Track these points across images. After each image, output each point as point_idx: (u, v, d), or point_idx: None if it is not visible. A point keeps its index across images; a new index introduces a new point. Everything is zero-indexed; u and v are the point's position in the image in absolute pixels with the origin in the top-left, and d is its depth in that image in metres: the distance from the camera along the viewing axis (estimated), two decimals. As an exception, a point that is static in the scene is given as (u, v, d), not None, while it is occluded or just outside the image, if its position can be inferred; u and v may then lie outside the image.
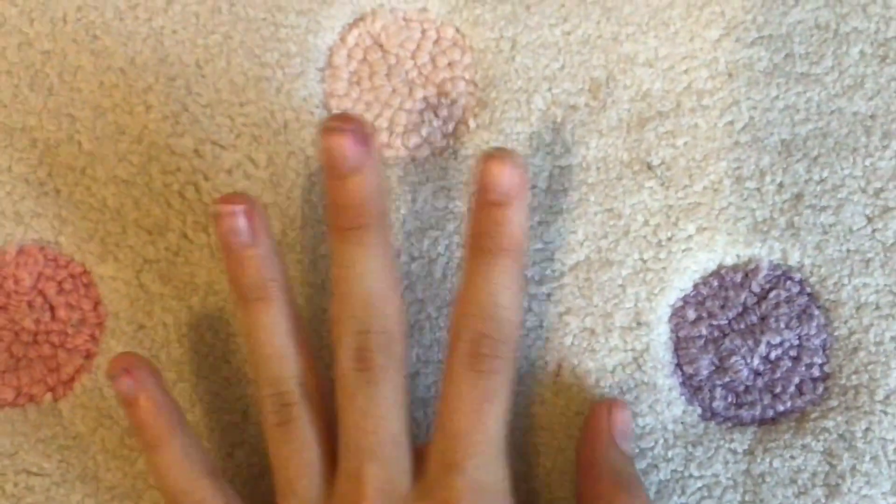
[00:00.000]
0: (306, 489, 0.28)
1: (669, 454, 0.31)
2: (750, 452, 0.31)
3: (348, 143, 0.28)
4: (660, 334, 0.32)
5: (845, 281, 0.32)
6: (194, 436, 0.30)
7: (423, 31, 0.35)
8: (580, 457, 0.30)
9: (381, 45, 0.35)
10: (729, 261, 0.33)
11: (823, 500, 0.30)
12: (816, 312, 0.32)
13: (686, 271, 0.32)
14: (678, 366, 0.32)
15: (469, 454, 0.27)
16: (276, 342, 0.29)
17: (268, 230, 0.30)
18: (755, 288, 0.32)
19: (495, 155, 0.28)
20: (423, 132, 0.34)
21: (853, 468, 0.30)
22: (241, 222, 0.29)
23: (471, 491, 0.27)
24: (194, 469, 0.29)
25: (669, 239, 0.32)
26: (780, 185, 0.33)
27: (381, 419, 0.28)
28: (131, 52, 0.34)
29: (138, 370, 0.29)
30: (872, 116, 0.33)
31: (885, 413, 0.31)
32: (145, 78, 0.34)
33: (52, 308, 0.33)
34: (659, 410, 0.31)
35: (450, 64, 0.34)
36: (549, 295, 0.32)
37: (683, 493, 0.31)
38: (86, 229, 0.34)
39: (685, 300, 0.32)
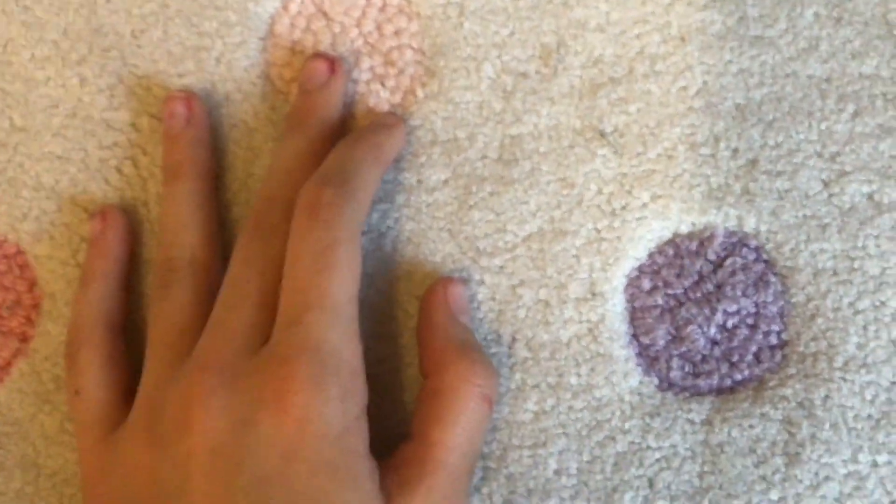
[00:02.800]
0: (170, 345, 0.28)
1: (626, 426, 0.30)
2: (708, 422, 0.30)
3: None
4: (615, 305, 0.31)
5: (802, 247, 0.31)
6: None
7: (369, -2, 0.34)
8: (421, 335, 0.30)
9: (324, 13, 0.34)
10: (684, 229, 0.32)
11: (783, 469, 0.30)
12: (773, 279, 0.31)
13: (641, 240, 0.32)
14: (634, 336, 0.31)
15: (307, 307, 0.26)
16: (179, 213, 0.30)
17: (204, 120, 0.32)
18: (711, 256, 0.32)
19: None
20: (371, 103, 0.33)
21: (812, 436, 0.30)
22: (180, 107, 0.32)
23: (309, 349, 0.26)
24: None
25: (623, 208, 0.32)
26: (735, 150, 0.32)
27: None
28: (64, 23, 0.33)
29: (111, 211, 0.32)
30: (828, 80, 0.32)
31: (844, 380, 0.30)
32: (78, 49, 0.33)
33: (-15, 291, 0.32)
34: (615, 382, 0.31)
35: (396, 32, 0.33)
36: (501, 267, 0.31)
37: (641, 464, 0.30)
38: (19, 208, 0.32)
39: (640, 270, 0.32)
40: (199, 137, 0.32)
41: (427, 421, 0.28)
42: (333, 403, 0.26)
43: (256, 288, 0.28)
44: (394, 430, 0.30)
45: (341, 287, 0.27)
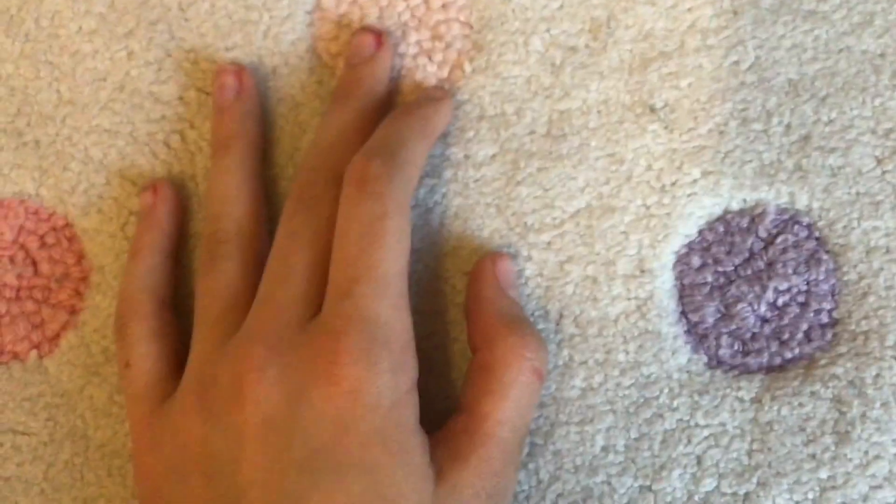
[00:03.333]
0: (219, 318, 0.28)
1: (675, 403, 0.30)
2: (757, 400, 0.30)
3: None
4: (664, 282, 0.31)
5: (854, 224, 0.31)
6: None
7: (416, -29, 0.33)
8: (469, 309, 0.30)
9: (372, -14, 0.33)
10: (735, 205, 0.32)
11: (833, 448, 0.29)
12: (825, 257, 0.31)
13: (691, 217, 0.31)
14: (683, 314, 0.31)
15: (356, 279, 0.26)
16: (227, 185, 0.30)
17: (253, 93, 0.32)
18: (762, 233, 0.31)
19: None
20: (418, 77, 0.33)
21: (863, 415, 0.29)
22: (230, 80, 0.32)
23: (360, 320, 0.26)
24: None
25: (673, 184, 0.31)
26: (788, 126, 0.31)
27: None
28: (111, -4, 0.33)
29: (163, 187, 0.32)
30: (882, 55, 0.32)
31: (895, 359, 0.30)
32: (126, 23, 0.33)
33: (34, 263, 0.32)
34: (664, 359, 0.30)
35: (443, 5, 0.33)
36: (549, 243, 0.31)
37: (689, 442, 0.30)
38: (68, 181, 0.32)
39: (690, 247, 0.32)
40: (248, 110, 0.32)
41: (477, 394, 0.28)
42: (385, 376, 0.26)
43: (303, 260, 0.28)
44: (441, 406, 0.30)
45: (391, 260, 0.27)
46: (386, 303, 0.27)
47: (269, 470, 0.25)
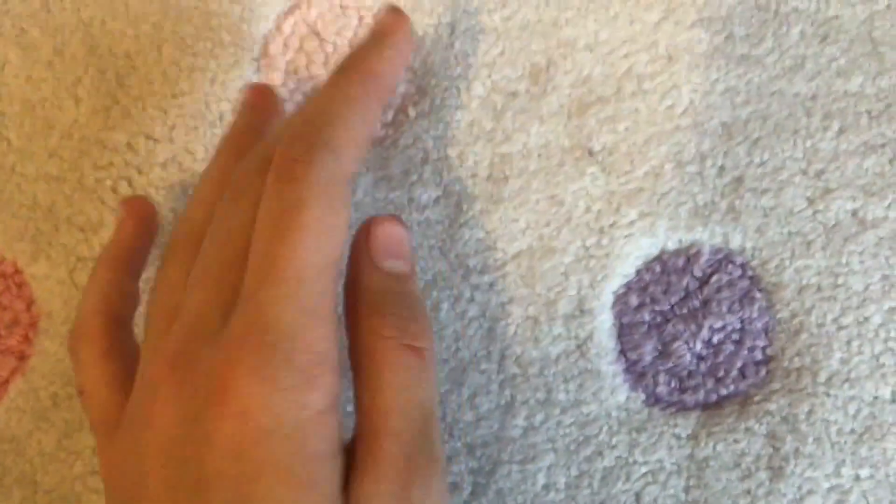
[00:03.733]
0: (160, 333, 0.25)
1: (614, 441, 0.31)
2: (694, 437, 0.31)
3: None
4: (603, 321, 0.32)
5: (787, 263, 0.32)
6: None
7: (360, 19, 0.34)
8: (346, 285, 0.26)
9: (317, 34, 0.34)
10: (671, 246, 0.32)
11: (767, 483, 0.30)
12: (758, 295, 0.32)
13: (628, 257, 0.32)
14: (622, 352, 0.32)
15: (261, 281, 0.23)
16: (204, 192, 0.28)
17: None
18: (697, 272, 0.32)
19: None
20: (362, 121, 0.33)
21: (797, 450, 0.30)
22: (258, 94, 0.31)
23: (260, 328, 0.22)
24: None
25: (612, 225, 0.32)
26: (721, 168, 0.32)
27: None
28: (59, 45, 0.34)
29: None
30: (813, 97, 0.33)
31: (828, 395, 0.31)
32: (75, 71, 0.33)
33: (-17, 309, 0.33)
34: (603, 398, 0.31)
35: (388, 51, 0.34)
36: (491, 284, 0.32)
37: (628, 479, 0.31)
38: (17, 228, 0.33)
39: (628, 286, 0.32)
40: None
41: (357, 394, 0.25)
42: (283, 395, 0.22)
43: (218, 261, 0.24)
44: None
45: (306, 256, 0.23)
46: (294, 307, 0.23)
47: (164, 498, 0.23)
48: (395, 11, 0.29)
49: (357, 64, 0.27)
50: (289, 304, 0.22)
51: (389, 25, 0.28)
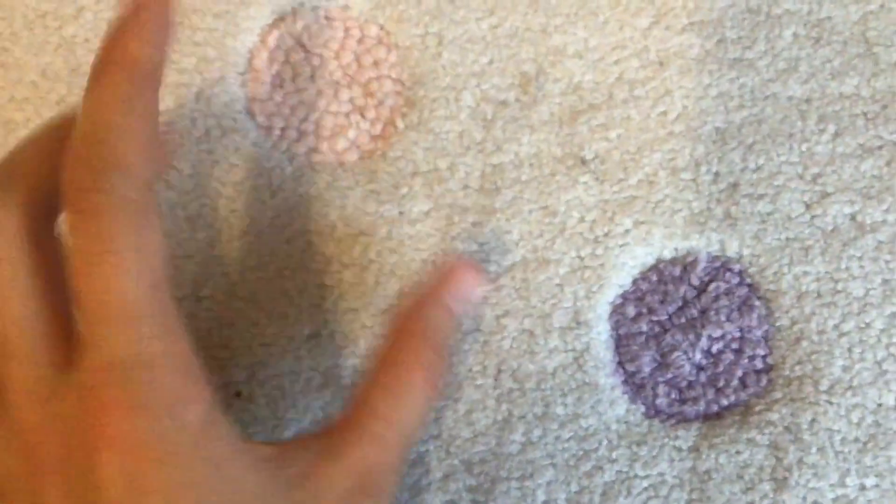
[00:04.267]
0: None
1: (614, 455, 0.30)
2: (695, 449, 0.30)
3: None
4: (600, 333, 0.31)
5: (785, 270, 0.31)
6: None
7: (347, 30, 0.34)
8: (407, 301, 0.28)
9: (303, 46, 0.34)
10: (667, 254, 0.32)
11: (771, 495, 0.30)
12: (757, 303, 0.31)
13: (624, 267, 0.32)
14: (620, 364, 0.31)
15: (97, 322, 0.22)
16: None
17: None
18: (694, 281, 0.32)
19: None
20: (351, 135, 0.33)
21: (800, 461, 0.30)
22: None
23: (112, 369, 0.22)
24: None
25: (606, 235, 0.32)
26: (716, 174, 0.32)
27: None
28: (42, 63, 0.33)
29: None
30: (807, 100, 0.32)
31: (830, 403, 0.30)
32: (58, 90, 0.33)
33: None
34: (602, 411, 0.31)
35: (375, 63, 0.33)
36: (485, 298, 0.31)
37: (629, 493, 0.30)
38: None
39: (624, 296, 0.32)
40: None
41: (371, 390, 0.27)
42: (163, 420, 0.22)
43: (36, 301, 0.23)
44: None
45: (130, 285, 0.22)
46: (138, 337, 0.22)
47: None
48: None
49: (116, 55, 0.24)
50: (132, 336, 0.22)
51: (135, 6, 0.24)
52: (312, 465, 0.24)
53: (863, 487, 0.29)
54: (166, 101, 0.33)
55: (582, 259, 0.32)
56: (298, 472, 0.24)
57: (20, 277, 0.23)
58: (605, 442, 0.30)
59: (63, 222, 0.23)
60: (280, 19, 0.34)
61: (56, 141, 0.24)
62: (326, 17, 0.34)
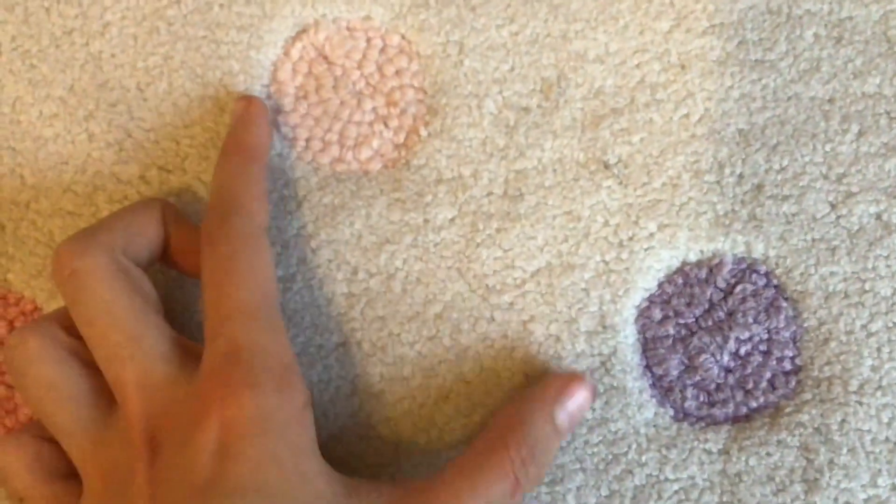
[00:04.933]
0: None
1: (643, 458, 0.30)
2: (725, 452, 0.30)
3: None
4: (627, 336, 0.31)
5: (812, 271, 0.31)
6: None
7: (369, 40, 0.34)
8: (517, 397, 0.30)
9: (325, 57, 0.34)
10: (692, 257, 0.32)
11: (803, 496, 0.29)
12: (784, 304, 0.31)
13: (650, 270, 0.32)
14: (647, 367, 0.31)
15: (221, 319, 0.27)
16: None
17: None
18: (720, 283, 0.32)
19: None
20: (374, 144, 0.33)
21: (831, 462, 0.30)
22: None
23: (233, 352, 0.26)
24: None
25: (631, 238, 0.32)
26: (740, 176, 0.32)
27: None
28: (70, 80, 0.34)
29: None
30: (830, 100, 0.32)
31: (860, 403, 0.30)
32: (86, 105, 0.33)
33: (3, 348, 0.33)
34: (630, 415, 0.31)
35: (397, 72, 0.34)
36: (511, 304, 0.32)
37: (660, 497, 0.30)
38: (35, 265, 0.33)
39: (650, 300, 0.32)
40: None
41: (452, 479, 0.27)
42: (270, 398, 0.25)
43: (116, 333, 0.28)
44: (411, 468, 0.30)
45: (247, 293, 0.27)
46: (255, 330, 0.27)
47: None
48: (244, 98, 0.33)
49: (233, 145, 0.31)
50: (251, 329, 0.26)
51: (245, 108, 0.32)
52: None
53: (894, 487, 0.29)
54: (192, 115, 0.33)
55: (607, 263, 0.32)
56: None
57: (122, 297, 0.28)
58: (634, 446, 0.30)
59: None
60: (303, 31, 0.34)
61: (136, 211, 0.30)
62: (348, 28, 0.34)
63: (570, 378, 0.29)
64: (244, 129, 0.32)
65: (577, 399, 0.29)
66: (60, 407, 0.28)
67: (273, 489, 0.24)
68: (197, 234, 0.30)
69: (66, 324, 0.28)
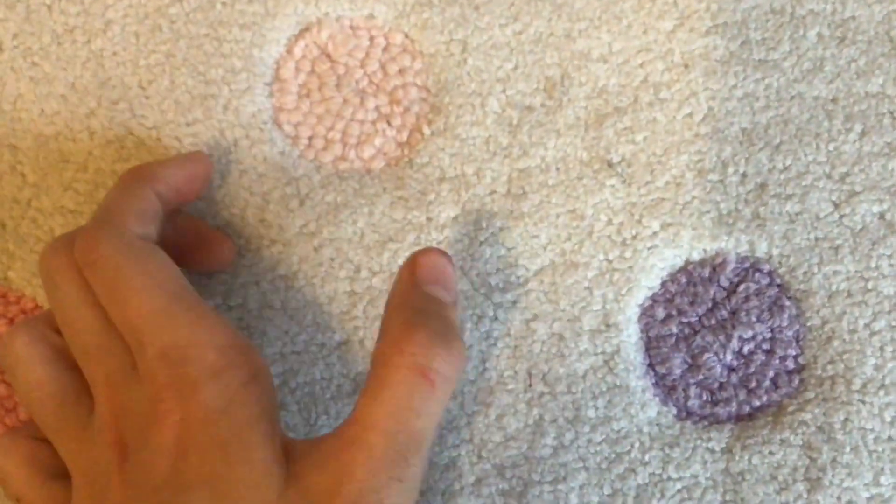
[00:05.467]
0: None
1: (646, 457, 0.30)
2: (728, 451, 0.30)
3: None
4: (630, 335, 0.31)
5: (815, 269, 0.31)
6: None
7: (372, 39, 0.34)
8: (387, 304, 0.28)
9: (328, 56, 0.34)
10: (696, 256, 0.32)
11: (805, 495, 0.29)
12: (787, 303, 0.31)
13: (653, 269, 0.32)
14: (650, 366, 0.31)
15: (138, 332, 0.26)
16: None
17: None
18: (724, 282, 0.32)
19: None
20: (377, 143, 0.33)
21: (833, 460, 0.30)
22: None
23: (161, 356, 0.25)
24: None
25: (634, 237, 0.32)
26: (744, 175, 0.32)
27: None
28: (71, 77, 0.33)
29: None
30: (833, 100, 0.32)
31: (863, 402, 0.30)
32: (87, 103, 0.33)
33: (4, 346, 0.32)
34: (633, 413, 0.31)
35: (400, 71, 0.34)
36: (514, 302, 0.32)
37: (663, 496, 0.30)
38: (35, 263, 0.33)
39: (654, 299, 0.32)
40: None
41: (358, 398, 0.26)
42: (207, 388, 0.25)
43: (91, 336, 0.27)
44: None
45: (151, 297, 0.26)
46: (175, 327, 0.26)
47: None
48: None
49: (130, 170, 0.30)
50: (168, 330, 0.26)
51: (184, 157, 0.32)
52: (306, 470, 0.25)
53: (898, 487, 0.29)
54: (194, 113, 0.33)
55: (610, 262, 0.32)
56: (295, 472, 0.25)
57: (84, 300, 0.27)
58: (637, 444, 0.30)
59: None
60: (305, 30, 0.34)
61: (129, 189, 0.30)
62: (351, 27, 0.34)
63: (412, 257, 0.28)
64: (158, 161, 0.31)
65: (433, 264, 0.28)
66: (48, 406, 0.28)
67: (221, 479, 0.24)
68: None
69: (55, 323, 0.29)
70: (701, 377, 0.31)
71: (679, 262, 0.32)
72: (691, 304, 0.32)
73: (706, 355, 0.31)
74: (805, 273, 0.31)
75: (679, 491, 0.30)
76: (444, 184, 0.33)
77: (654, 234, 0.32)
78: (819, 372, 0.30)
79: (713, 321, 0.31)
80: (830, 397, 0.30)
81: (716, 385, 0.31)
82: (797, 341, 0.31)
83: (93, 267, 0.27)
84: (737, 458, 0.30)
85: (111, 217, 0.28)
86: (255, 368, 0.26)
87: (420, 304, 0.27)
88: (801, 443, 0.30)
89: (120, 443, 0.26)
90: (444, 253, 0.29)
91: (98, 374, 0.27)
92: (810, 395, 0.30)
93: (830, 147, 0.32)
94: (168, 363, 0.26)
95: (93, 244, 0.27)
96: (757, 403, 0.31)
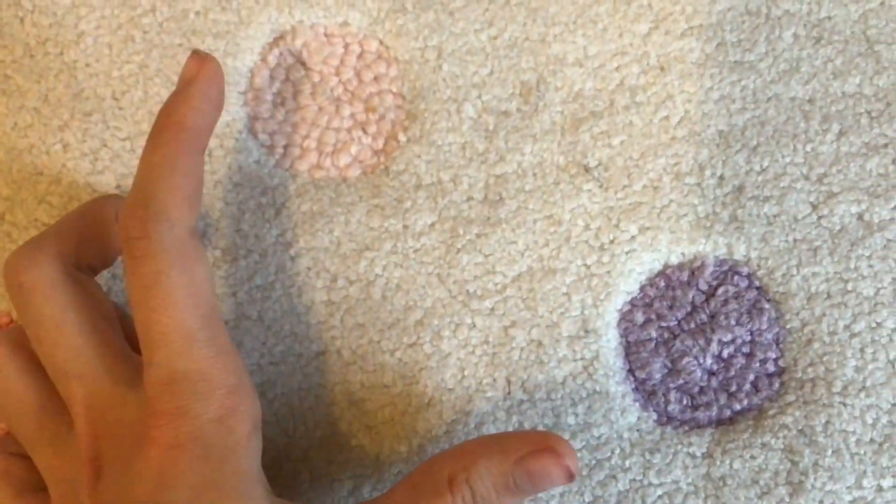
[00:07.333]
0: None
1: (627, 463, 0.30)
2: (709, 455, 0.30)
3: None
4: (609, 340, 0.31)
5: (794, 271, 0.31)
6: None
7: (346, 46, 0.34)
8: (470, 447, 0.27)
9: (303, 63, 0.34)
10: (674, 259, 0.32)
11: (787, 499, 0.29)
12: (767, 306, 0.31)
13: (631, 273, 0.31)
14: (630, 371, 0.31)
15: (155, 346, 0.25)
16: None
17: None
18: (703, 285, 0.31)
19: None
20: (353, 151, 0.33)
21: (815, 464, 0.29)
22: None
23: (169, 382, 0.24)
24: None
25: (612, 242, 0.32)
26: (721, 177, 0.32)
27: None
28: (44, 90, 0.33)
29: None
30: (810, 101, 0.32)
31: (844, 405, 0.30)
32: (60, 115, 0.33)
33: (-21, 361, 0.32)
34: (613, 419, 0.30)
35: (375, 78, 0.33)
36: (492, 309, 0.31)
37: (644, 502, 0.30)
38: (9, 277, 0.32)
39: (632, 303, 0.32)
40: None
41: None
42: (211, 425, 0.25)
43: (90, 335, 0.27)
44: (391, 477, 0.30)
45: (184, 315, 0.25)
46: (194, 356, 0.25)
47: None
48: (196, 56, 0.28)
49: (167, 120, 0.27)
50: (188, 355, 0.25)
51: (192, 70, 0.28)
52: None
53: (880, 489, 0.29)
54: (168, 123, 0.33)
55: (588, 267, 0.31)
56: None
57: (68, 312, 0.27)
58: (617, 450, 0.30)
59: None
60: (280, 37, 0.34)
61: (87, 213, 0.29)
62: (326, 34, 0.34)
63: (545, 438, 0.26)
64: (184, 101, 0.27)
65: (544, 464, 0.26)
66: (26, 419, 0.27)
67: None
68: None
69: None
70: (681, 381, 0.31)
71: (657, 266, 0.32)
72: (670, 308, 0.31)
73: (686, 359, 0.31)
74: (784, 275, 0.31)
75: (660, 497, 0.30)
76: (420, 191, 0.32)
77: (632, 238, 0.31)
78: (799, 375, 0.30)
79: (692, 325, 0.31)
80: (811, 400, 0.30)
81: (696, 389, 0.31)
82: (777, 344, 0.31)
83: (138, 260, 0.25)
84: (718, 462, 0.30)
85: (164, 211, 0.26)
86: (256, 419, 0.26)
87: (494, 481, 0.26)
88: (782, 446, 0.30)
89: (95, 462, 0.25)
90: (568, 472, 0.26)
91: (75, 391, 0.26)
92: (791, 398, 0.30)
93: (808, 148, 0.32)
94: (173, 391, 0.25)
95: (146, 240, 0.25)
96: (737, 407, 0.30)
